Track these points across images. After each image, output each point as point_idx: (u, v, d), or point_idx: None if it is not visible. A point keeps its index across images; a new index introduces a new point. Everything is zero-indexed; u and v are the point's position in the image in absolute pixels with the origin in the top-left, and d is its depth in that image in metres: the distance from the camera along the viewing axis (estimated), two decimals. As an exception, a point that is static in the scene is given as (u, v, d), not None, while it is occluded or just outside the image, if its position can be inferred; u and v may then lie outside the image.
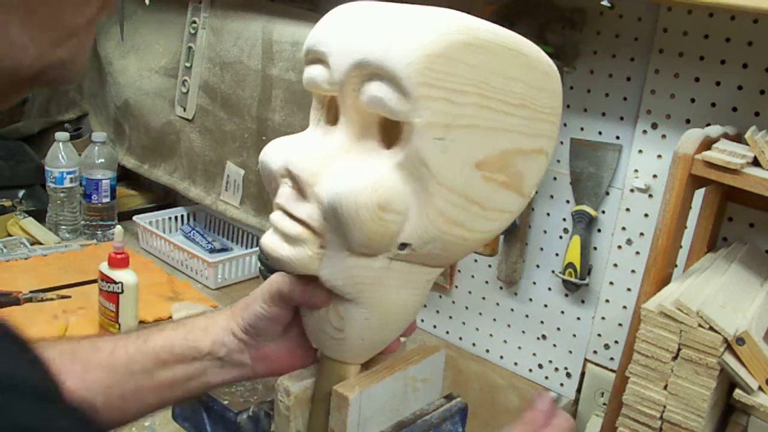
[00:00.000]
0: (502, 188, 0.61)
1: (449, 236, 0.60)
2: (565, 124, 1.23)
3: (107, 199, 1.69)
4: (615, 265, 1.21)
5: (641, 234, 1.17)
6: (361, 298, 0.62)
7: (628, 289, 1.20)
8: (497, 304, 1.37)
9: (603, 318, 1.24)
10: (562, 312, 1.28)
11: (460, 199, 0.59)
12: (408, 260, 0.61)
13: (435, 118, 0.55)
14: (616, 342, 1.22)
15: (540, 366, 1.33)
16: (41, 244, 1.64)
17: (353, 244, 0.58)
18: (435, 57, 0.54)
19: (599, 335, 1.25)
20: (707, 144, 0.89)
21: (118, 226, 1.28)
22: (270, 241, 0.61)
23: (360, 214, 0.55)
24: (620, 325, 1.22)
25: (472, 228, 0.61)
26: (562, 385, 1.30)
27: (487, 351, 1.40)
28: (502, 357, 1.38)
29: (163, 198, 1.93)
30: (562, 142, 1.23)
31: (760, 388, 0.79)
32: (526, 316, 1.33)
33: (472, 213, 0.60)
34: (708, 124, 1.02)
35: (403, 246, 0.59)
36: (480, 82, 0.57)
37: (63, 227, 1.68)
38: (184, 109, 1.65)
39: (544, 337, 1.32)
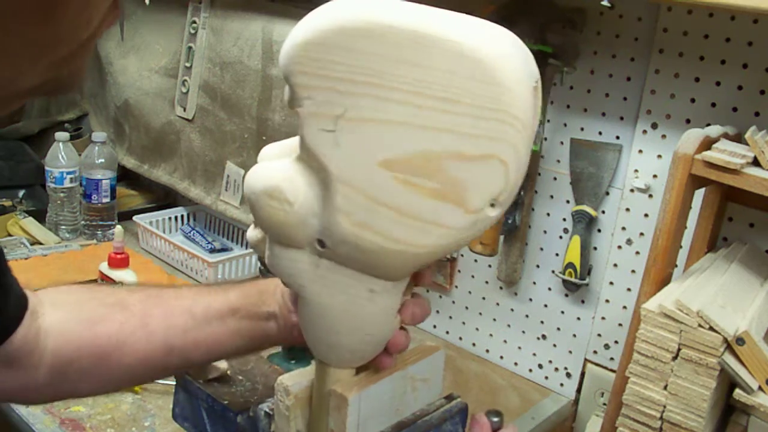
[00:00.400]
0: (430, 197, 0.54)
1: (362, 241, 0.56)
2: (565, 124, 1.23)
3: (107, 199, 1.69)
4: (615, 265, 1.21)
5: (641, 234, 1.17)
6: (300, 292, 0.62)
7: (628, 289, 1.20)
8: (497, 304, 1.37)
9: (603, 318, 1.24)
10: (562, 312, 1.28)
11: (366, 200, 0.55)
12: (336, 261, 0.59)
13: (319, 108, 0.53)
14: (616, 342, 1.22)
15: (540, 366, 1.33)
16: (41, 244, 1.64)
17: (260, 228, 0.61)
18: (310, 44, 0.52)
19: (599, 335, 1.25)
20: (707, 144, 0.89)
21: (118, 226, 1.28)
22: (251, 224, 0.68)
23: (251, 198, 0.58)
24: (620, 325, 1.22)
25: (392, 237, 0.55)
26: (562, 385, 1.30)
27: (487, 351, 1.40)
28: (502, 357, 1.38)
29: (163, 198, 1.93)
30: (562, 142, 1.23)
31: (760, 388, 0.79)
32: (526, 316, 1.33)
33: (388, 219, 0.55)
34: (708, 124, 1.02)
35: (321, 243, 0.58)
36: (373, 69, 0.52)
37: (63, 227, 1.68)
38: (184, 109, 1.65)
39: (544, 337, 1.32)
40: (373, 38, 0.51)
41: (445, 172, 0.53)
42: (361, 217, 0.55)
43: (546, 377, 1.32)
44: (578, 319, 1.27)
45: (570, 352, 1.29)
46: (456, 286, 1.43)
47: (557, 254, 1.27)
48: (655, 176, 1.14)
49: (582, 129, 1.21)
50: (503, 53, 0.51)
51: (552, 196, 1.27)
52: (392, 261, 0.58)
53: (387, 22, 0.51)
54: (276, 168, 0.58)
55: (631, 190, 1.17)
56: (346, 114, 0.52)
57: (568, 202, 1.25)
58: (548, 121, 1.22)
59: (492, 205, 0.53)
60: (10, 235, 1.65)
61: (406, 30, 0.51)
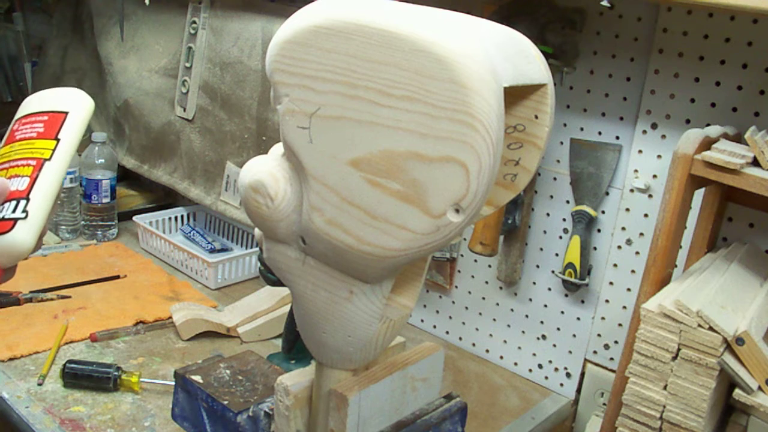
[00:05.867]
0: (396, 199, 0.54)
1: (333, 239, 0.57)
2: (565, 124, 1.23)
3: (107, 200, 1.69)
4: (615, 265, 1.21)
5: (641, 234, 1.17)
6: (290, 287, 0.65)
7: (628, 289, 1.20)
8: (497, 304, 1.37)
9: (603, 318, 1.24)
10: (562, 312, 1.29)
11: (337, 198, 0.56)
12: (317, 258, 0.61)
13: (294, 106, 0.55)
14: (616, 342, 1.23)
15: (540, 366, 1.33)
16: (41, 244, 1.64)
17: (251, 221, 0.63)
18: (286, 43, 0.55)
19: (599, 335, 1.25)
20: (707, 144, 0.89)
21: None
22: None
23: (241, 192, 0.62)
24: (620, 325, 1.22)
25: (359, 237, 0.56)
26: (562, 385, 1.30)
27: (487, 351, 1.40)
28: (502, 357, 1.38)
29: (163, 198, 1.93)
30: (562, 143, 1.23)
31: (759, 388, 0.79)
32: (526, 316, 1.33)
33: (356, 218, 0.56)
34: (708, 124, 1.02)
35: (303, 240, 0.61)
36: (342, 68, 0.53)
37: (63, 227, 1.68)
38: (184, 109, 1.65)
39: (544, 337, 1.32)
40: (343, 37, 0.52)
41: (406, 173, 0.52)
42: (333, 216, 0.57)
43: (546, 377, 1.33)
44: (578, 319, 1.27)
45: (570, 352, 1.29)
46: (456, 286, 1.43)
47: (557, 254, 1.28)
48: (654, 176, 1.14)
49: (582, 129, 1.21)
50: (468, 53, 0.50)
51: (552, 196, 1.27)
52: (362, 262, 0.58)
53: (357, 22, 0.52)
54: (263, 163, 0.60)
55: (631, 190, 1.17)
56: (318, 111, 0.54)
57: (568, 202, 1.25)
58: (548, 121, 1.22)
59: (456, 211, 0.52)
60: (10, 235, 1.65)
61: (374, 29, 0.51)
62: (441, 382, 0.78)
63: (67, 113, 0.67)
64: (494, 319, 1.38)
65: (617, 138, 1.18)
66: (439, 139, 0.51)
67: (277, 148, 0.63)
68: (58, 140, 0.65)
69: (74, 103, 0.68)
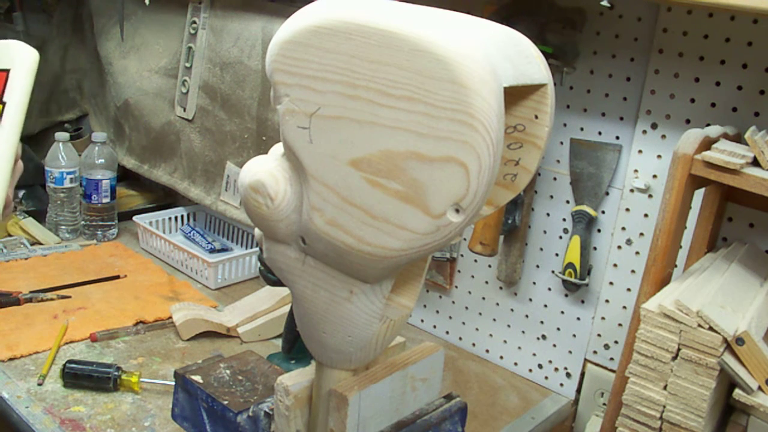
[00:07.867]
0: (396, 199, 0.53)
1: (333, 239, 0.58)
2: (565, 124, 1.23)
3: (107, 200, 1.69)
4: (615, 265, 1.21)
5: (641, 234, 1.17)
6: (290, 287, 0.65)
7: (628, 289, 1.20)
8: (497, 304, 1.37)
9: (603, 318, 1.24)
10: (562, 312, 1.29)
11: (337, 198, 0.56)
12: (317, 258, 0.62)
13: (294, 106, 0.55)
14: (616, 342, 1.23)
15: (540, 366, 1.33)
16: (41, 244, 1.64)
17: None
18: (286, 43, 0.55)
19: (599, 335, 1.25)
20: (707, 144, 0.89)
21: None
22: None
23: (241, 192, 0.62)
24: (620, 325, 1.22)
25: (359, 237, 0.56)
26: (562, 385, 1.30)
27: (487, 351, 1.40)
28: (502, 357, 1.38)
29: (163, 198, 1.94)
30: (562, 142, 1.23)
31: (759, 388, 0.79)
32: (526, 316, 1.33)
33: (356, 218, 0.56)
34: (708, 124, 1.02)
35: (303, 240, 0.61)
36: (342, 68, 0.53)
37: (63, 227, 1.68)
38: (184, 109, 1.65)
39: (544, 337, 1.32)
40: (343, 37, 0.52)
41: (406, 173, 0.52)
42: (334, 216, 0.57)
43: (546, 377, 1.32)
44: (578, 319, 1.27)
45: (570, 352, 1.29)
46: (456, 286, 1.43)
47: (557, 254, 1.28)
48: (654, 176, 1.14)
49: (582, 129, 1.21)
50: (468, 53, 0.49)
51: (552, 196, 1.27)
52: (362, 262, 0.58)
53: (357, 22, 0.52)
54: (263, 163, 0.61)
55: (631, 190, 1.17)
56: (318, 112, 0.54)
57: (568, 202, 1.25)
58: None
59: (456, 211, 0.52)
60: (10, 235, 1.65)
61: (374, 29, 0.51)
62: (441, 382, 0.78)
63: (8, 71, 0.62)
64: (494, 319, 1.38)
65: (617, 138, 1.18)
66: (439, 139, 0.51)
67: (277, 148, 0.63)
68: (3, 103, 0.61)
69: (16, 58, 0.63)
